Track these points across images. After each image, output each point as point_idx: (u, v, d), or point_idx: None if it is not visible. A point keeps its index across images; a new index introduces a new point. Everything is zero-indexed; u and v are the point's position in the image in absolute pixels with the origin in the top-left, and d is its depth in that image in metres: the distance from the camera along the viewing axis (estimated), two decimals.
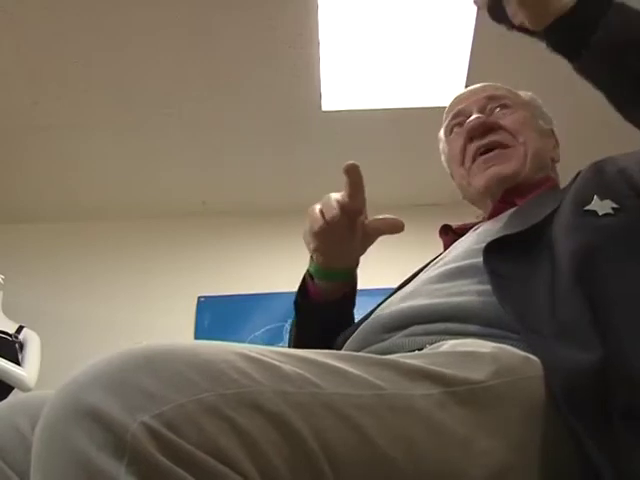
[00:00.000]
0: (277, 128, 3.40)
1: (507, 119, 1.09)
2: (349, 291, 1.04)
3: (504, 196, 1.04)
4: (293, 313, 1.06)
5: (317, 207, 0.94)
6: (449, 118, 1.17)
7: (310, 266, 1.02)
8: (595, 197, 0.83)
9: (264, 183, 3.86)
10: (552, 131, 1.17)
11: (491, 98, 1.12)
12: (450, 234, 1.09)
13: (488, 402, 0.61)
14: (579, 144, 3.06)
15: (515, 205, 0.99)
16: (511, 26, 0.84)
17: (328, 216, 0.91)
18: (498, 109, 1.11)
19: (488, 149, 1.08)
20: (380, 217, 0.96)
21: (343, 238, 0.95)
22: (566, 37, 0.78)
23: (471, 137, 1.09)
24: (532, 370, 0.66)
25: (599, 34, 0.75)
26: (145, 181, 3.80)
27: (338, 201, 0.91)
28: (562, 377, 0.64)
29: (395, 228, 0.95)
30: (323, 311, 1.01)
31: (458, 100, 1.16)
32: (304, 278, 1.04)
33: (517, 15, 0.81)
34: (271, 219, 3.99)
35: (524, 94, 1.17)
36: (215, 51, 2.91)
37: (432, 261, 1.00)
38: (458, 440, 0.57)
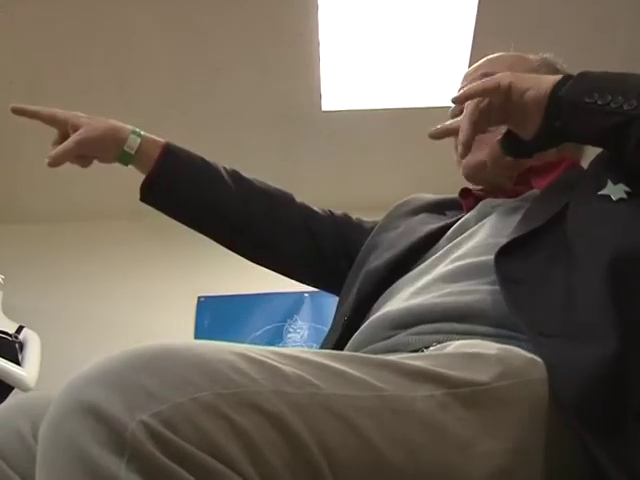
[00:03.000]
0: (277, 128, 3.40)
1: None
2: (163, 150, 1.16)
3: (519, 180, 1.02)
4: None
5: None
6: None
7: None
8: (609, 181, 0.82)
9: None
10: None
11: (485, 76, 1.02)
12: (470, 198, 1.07)
13: (492, 404, 0.61)
14: None
15: (532, 186, 0.98)
16: (528, 154, 0.92)
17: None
18: None
19: None
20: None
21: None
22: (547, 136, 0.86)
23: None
24: (537, 372, 0.65)
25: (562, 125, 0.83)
26: None
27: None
28: (571, 380, 0.63)
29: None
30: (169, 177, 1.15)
31: (462, 80, 1.12)
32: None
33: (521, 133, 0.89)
34: None
35: (534, 58, 1.10)
36: (215, 51, 2.92)
37: (454, 222, 0.99)
38: (460, 442, 0.56)
